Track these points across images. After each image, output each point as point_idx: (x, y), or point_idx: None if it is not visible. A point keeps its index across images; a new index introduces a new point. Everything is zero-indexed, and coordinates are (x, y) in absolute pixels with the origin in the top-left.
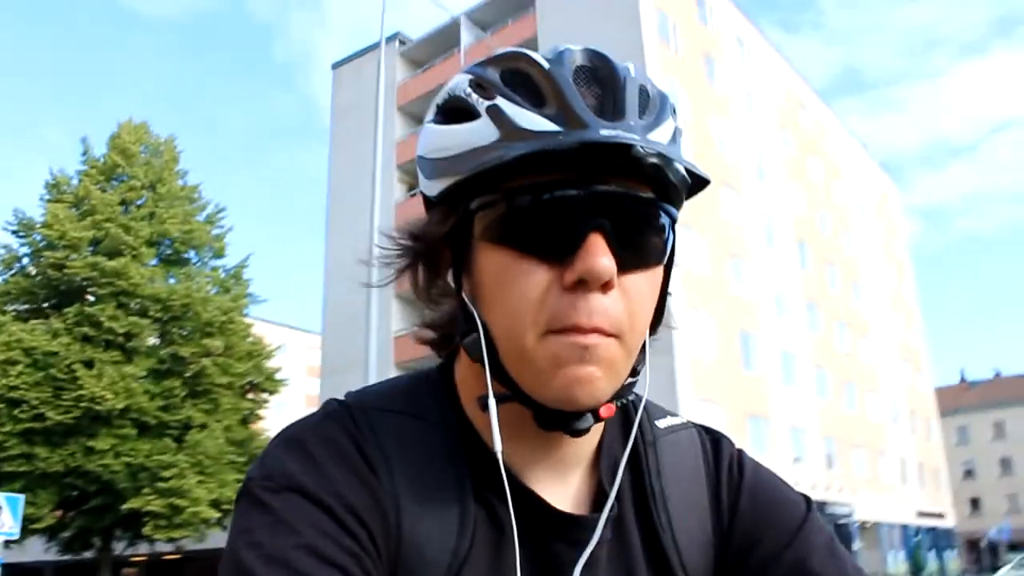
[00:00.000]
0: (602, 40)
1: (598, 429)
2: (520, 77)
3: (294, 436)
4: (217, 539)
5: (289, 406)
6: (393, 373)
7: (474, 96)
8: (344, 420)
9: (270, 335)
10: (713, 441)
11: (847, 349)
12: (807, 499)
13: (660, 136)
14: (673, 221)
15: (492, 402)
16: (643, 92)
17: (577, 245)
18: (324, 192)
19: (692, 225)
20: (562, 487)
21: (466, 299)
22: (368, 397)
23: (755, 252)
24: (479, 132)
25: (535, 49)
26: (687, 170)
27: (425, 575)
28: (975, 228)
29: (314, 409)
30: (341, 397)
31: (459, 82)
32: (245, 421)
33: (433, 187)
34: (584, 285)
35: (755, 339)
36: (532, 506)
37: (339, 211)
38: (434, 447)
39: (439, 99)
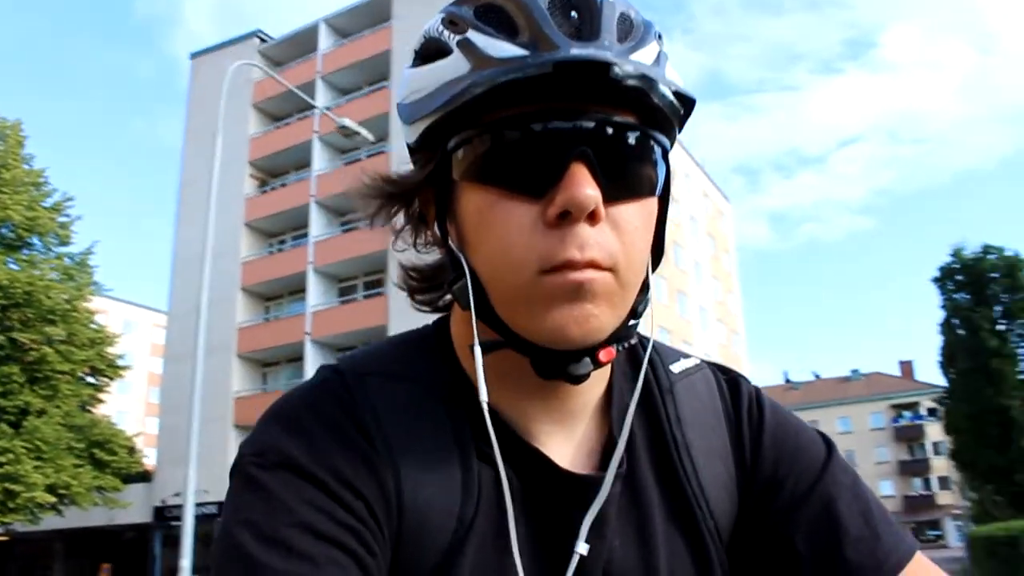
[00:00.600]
0: None
1: (604, 377)
2: (494, 10)
3: (285, 409)
4: (50, 522)
5: (133, 385)
6: (236, 365)
7: (446, 33)
8: (337, 389)
9: (116, 312)
10: (730, 382)
11: None
12: (827, 440)
13: (642, 57)
14: (664, 150)
15: (478, 350)
16: (624, 17)
17: (558, 177)
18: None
19: None
20: (569, 442)
21: (452, 245)
22: (361, 361)
23: None
24: (451, 67)
25: (388, 62)
26: (676, 94)
27: (430, 543)
28: (819, 234)
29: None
30: (334, 362)
31: (433, 22)
32: (85, 407)
33: (411, 133)
34: (569, 218)
35: None
36: (535, 463)
37: (190, 198)
38: (432, 409)
39: (416, 44)
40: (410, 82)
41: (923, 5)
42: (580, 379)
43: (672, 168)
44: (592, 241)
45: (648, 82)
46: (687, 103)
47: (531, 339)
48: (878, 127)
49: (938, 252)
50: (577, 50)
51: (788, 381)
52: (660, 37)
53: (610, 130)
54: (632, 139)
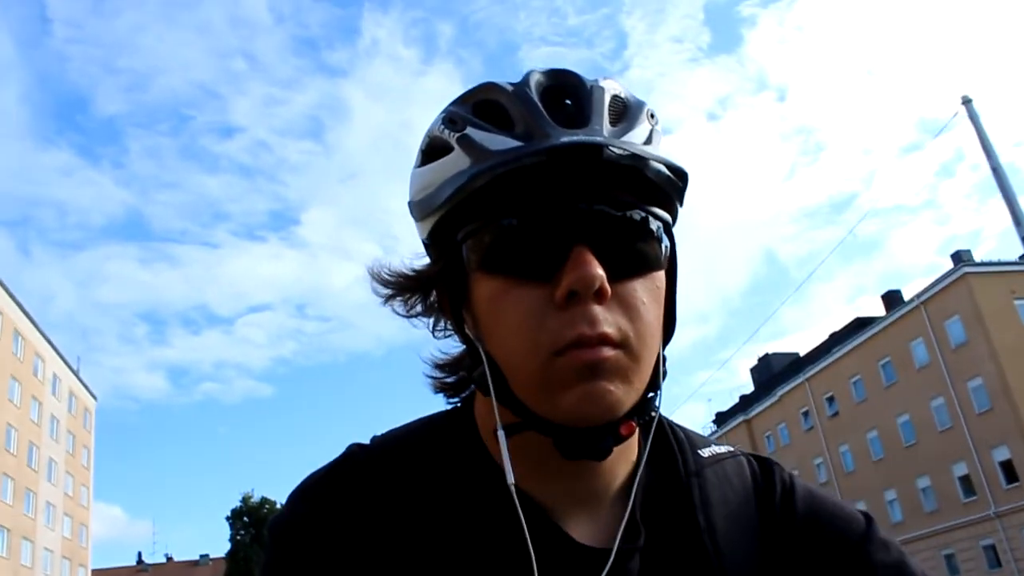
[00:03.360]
0: None
1: (629, 459)
2: (490, 106)
3: (305, 483)
4: None
5: None
6: None
7: (447, 131)
8: (357, 466)
9: None
10: (764, 468)
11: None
12: (867, 516)
13: (634, 138)
14: (666, 225)
15: (501, 434)
16: (616, 100)
17: (563, 260)
18: None
19: None
20: (593, 522)
21: (469, 333)
22: (388, 440)
23: None
24: (453, 163)
25: None
26: (671, 168)
27: None
28: (217, 394)
29: None
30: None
31: (435, 122)
32: None
33: (423, 229)
34: (577, 298)
35: None
36: (556, 541)
37: None
38: (454, 490)
39: (421, 144)
40: (417, 180)
41: (341, 197)
42: (603, 454)
43: (676, 242)
44: (601, 317)
45: (640, 160)
46: (682, 177)
47: (552, 419)
48: (288, 300)
49: (331, 426)
50: (568, 137)
51: (140, 562)
52: (652, 116)
53: (608, 210)
54: (631, 217)
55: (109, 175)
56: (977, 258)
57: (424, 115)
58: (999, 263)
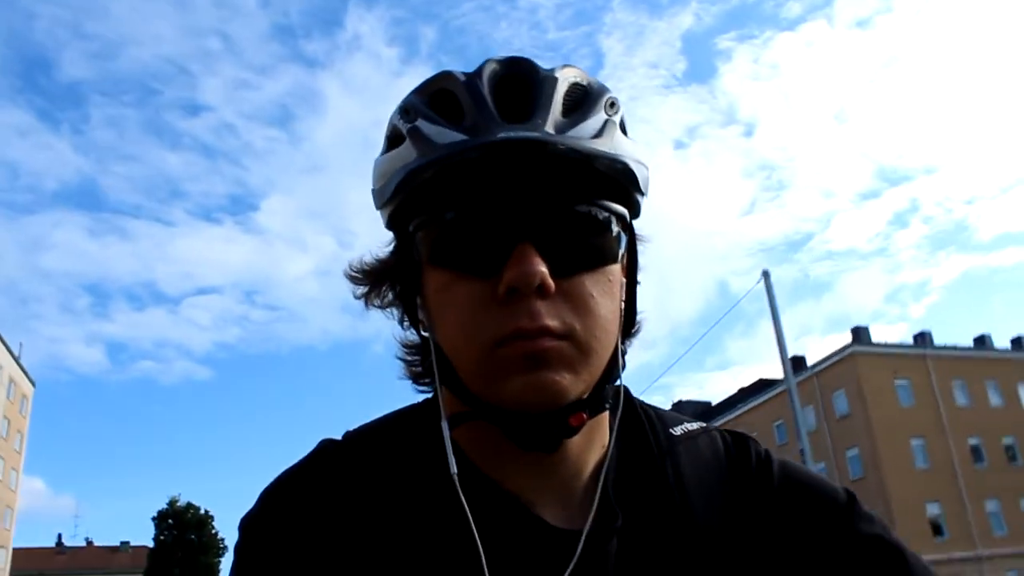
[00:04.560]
0: None
1: (600, 444)
2: (444, 96)
3: (275, 481)
4: None
5: None
6: None
7: (401, 121)
8: (325, 466)
9: None
10: (737, 442)
11: None
12: (848, 491)
13: (582, 131)
14: (620, 218)
15: (444, 424)
16: (574, 88)
17: (505, 257)
18: None
19: None
20: (565, 508)
21: (421, 323)
22: (358, 436)
23: None
24: (403, 155)
25: None
26: (624, 162)
27: None
28: (155, 374)
29: None
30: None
31: (393, 111)
32: None
33: (383, 217)
34: (518, 294)
35: None
36: (528, 526)
37: None
38: (417, 481)
39: (386, 130)
40: (376, 169)
41: (302, 188)
42: (552, 446)
43: (636, 234)
44: (543, 311)
45: (582, 155)
46: (633, 168)
47: (500, 407)
48: (238, 285)
49: (272, 416)
50: (507, 133)
51: (59, 544)
52: (612, 104)
53: (552, 205)
54: (577, 211)
55: (68, 141)
56: (923, 308)
57: None
58: (886, 345)
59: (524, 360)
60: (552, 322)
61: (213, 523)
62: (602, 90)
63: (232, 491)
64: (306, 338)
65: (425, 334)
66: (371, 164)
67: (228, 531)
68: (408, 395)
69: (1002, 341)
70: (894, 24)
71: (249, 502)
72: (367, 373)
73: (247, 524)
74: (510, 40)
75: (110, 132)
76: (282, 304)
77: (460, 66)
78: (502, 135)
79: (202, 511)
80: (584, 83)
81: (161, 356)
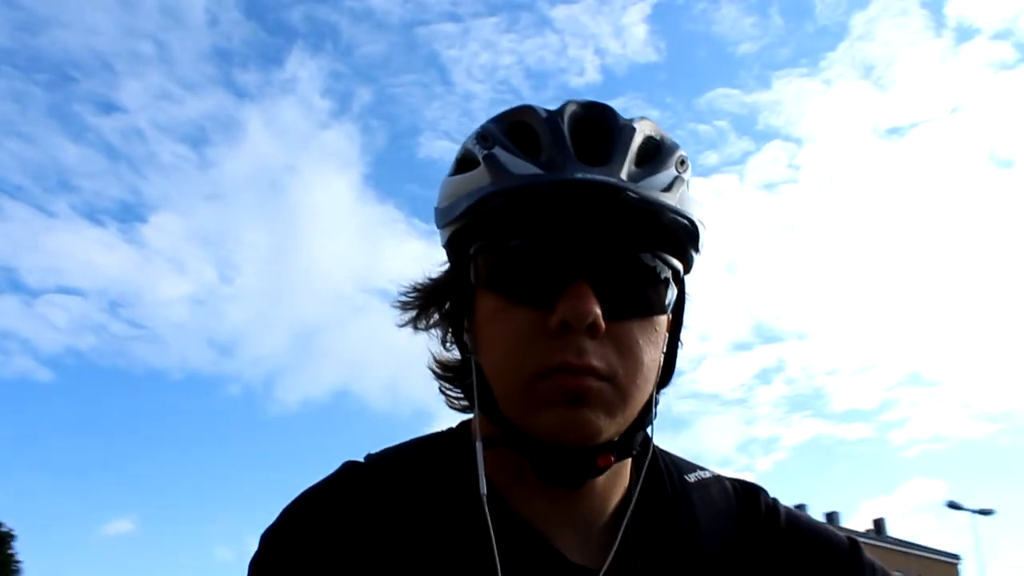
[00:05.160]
0: None
1: (621, 486)
2: (522, 128)
3: (298, 498)
4: None
5: None
6: None
7: (477, 147)
8: (350, 481)
9: None
10: (748, 492)
11: None
12: (852, 541)
13: (653, 183)
14: (676, 272)
15: (479, 444)
16: (648, 141)
17: (560, 291)
18: None
19: None
20: (585, 544)
21: (467, 343)
22: (382, 458)
23: None
24: (476, 179)
25: None
26: (687, 220)
27: None
28: None
29: None
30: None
31: (472, 135)
32: None
33: (443, 237)
34: (569, 329)
35: None
36: (548, 560)
37: None
38: (441, 505)
39: (457, 153)
40: (445, 189)
41: (198, 213)
42: (576, 483)
43: (686, 290)
44: (591, 349)
45: (652, 206)
46: (696, 227)
47: (531, 437)
48: (104, 293)
49: (107, 435)
50: (584, 174)
51: None
52: (683, 163)
53: (614, 249)
54: (637, 259)
55: None
56: (770, 463)
57: (313, 167)
58: None
59: (565, 395)
60: (598, 362)
61: (12, 542)
62: (674, 147)
63: (47, 510)
64: (162, 363)
65: (468, 356)
66: (275, 206)
67: (32, 554)
68: (248, 442)
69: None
70: (797, 194)
71: (65, 524)
72: (217, 412)
73: (267, 538)
74: (438, 122)
75: (12, 106)
76: (146, 323)
77: (385, 134)
78: (579, 175)
79: (3, 527)
80: (658, 137)
81: (2, 347)
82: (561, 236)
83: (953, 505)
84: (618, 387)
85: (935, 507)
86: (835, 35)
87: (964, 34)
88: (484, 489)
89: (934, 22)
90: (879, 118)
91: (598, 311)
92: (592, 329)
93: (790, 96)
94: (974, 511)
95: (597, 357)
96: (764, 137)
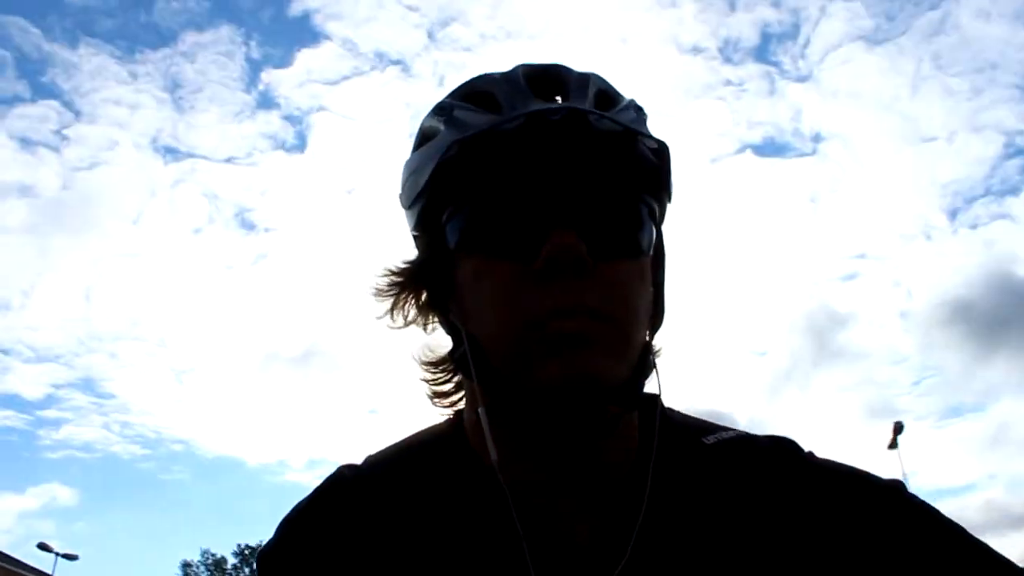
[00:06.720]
0: None
1: (628, 451)
2: (478, 93)
3: (291, 512)
4: None
5: None
6: None
7: (436, 119)
8: (343, 492)
9: None
10: (778, 446)
11: None
12: (896, 480)
13: (619, 116)
14: (652, 211)
15: (482, 411)
16: (607, 89)
17: (544, 238)
18: None
19: None
20: (594, 518)
21: (452, 316)
22: (378, 458)
23: None
24: (438, 143)
25: None
26: (659, 152)
27: None
28: None
29: None
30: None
31: (426, 115)
32: None
33: (411, 218)
34: (556, 271)
35: None
36: (556, 540)
37: None
38: (446, 498)
39: (416, 134)
40: (406, 168)
41: None
42: (588, 433)
43: (663, 229)
44: (582, 289)
45: (629, 133)
46: (666, 159)
47: (535, 393)
48: None
49: None
50: (543, 106)
51: None
52: (640, 109)
53: (594, 188)
54: (618, 197)
55: None
56: None
57: None
58: None
59: (564, 341)
60: (593, 301)
61: None
62: (629, 98)
63: None
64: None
65: (456, 328)
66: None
67: None
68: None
69: None
70: None
71: None
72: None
73: (266, 557)
74: None
75: None
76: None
77: None
78: (538, 107)
79: None
80: (610, 89)
81: None
82: (534, 179)
83: (43, 546)
84: (617, 327)
85: None
86: None
87: None
88: (495, 455)
89: None
90: None
91: (583, 247)
92: (580, 266)
93: None
94: (60, 554)
95: (590, 296)
96: None
